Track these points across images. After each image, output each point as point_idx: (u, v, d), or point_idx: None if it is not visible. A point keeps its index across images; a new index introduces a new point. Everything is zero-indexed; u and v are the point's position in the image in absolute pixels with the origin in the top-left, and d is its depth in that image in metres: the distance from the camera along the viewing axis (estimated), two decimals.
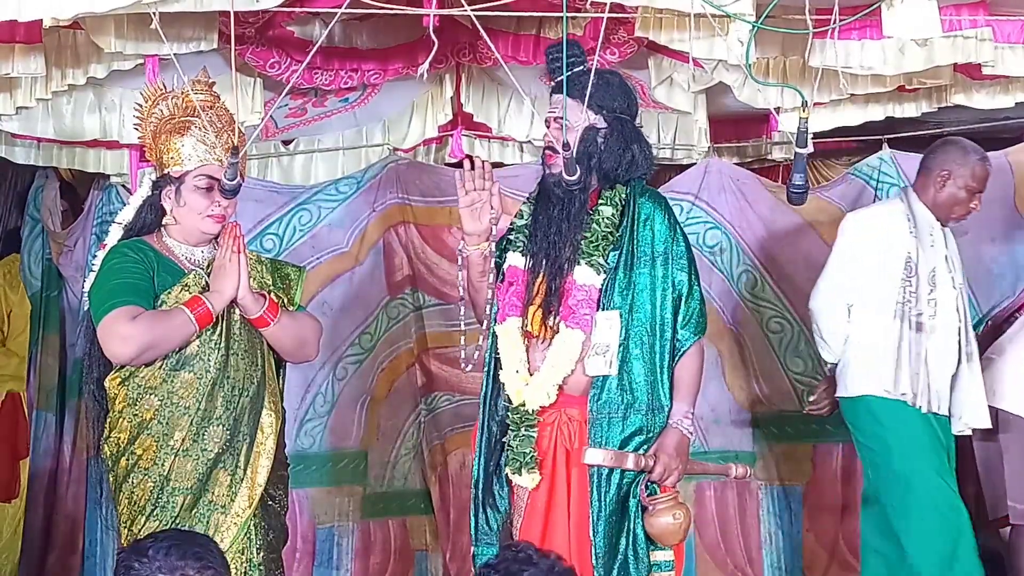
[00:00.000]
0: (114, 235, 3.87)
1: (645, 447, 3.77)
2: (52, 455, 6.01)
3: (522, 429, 3.79)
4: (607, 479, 3.75)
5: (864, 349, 4.83)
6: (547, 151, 3.87)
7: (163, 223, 3.82)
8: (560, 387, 3.79)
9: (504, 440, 3.85)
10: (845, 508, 5.99)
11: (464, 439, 5.47)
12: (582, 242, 3.81)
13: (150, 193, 3.86)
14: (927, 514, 4.73)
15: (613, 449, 3.73)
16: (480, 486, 3.88)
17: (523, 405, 3.79)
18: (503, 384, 3.85)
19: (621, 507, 3.76)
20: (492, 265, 3.92)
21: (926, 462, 4.77)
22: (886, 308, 4.78)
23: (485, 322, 3.96)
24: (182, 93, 3.84)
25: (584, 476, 3.78)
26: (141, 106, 3.88)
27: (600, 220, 3.82)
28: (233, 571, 3.67)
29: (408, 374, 5.79)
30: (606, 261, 3.80)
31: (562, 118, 3.76)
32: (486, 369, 3.93)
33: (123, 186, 5.44)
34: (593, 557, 3.73)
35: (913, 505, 4.74)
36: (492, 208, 3.84)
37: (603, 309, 3.78)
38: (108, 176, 5.53)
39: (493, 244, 3.89)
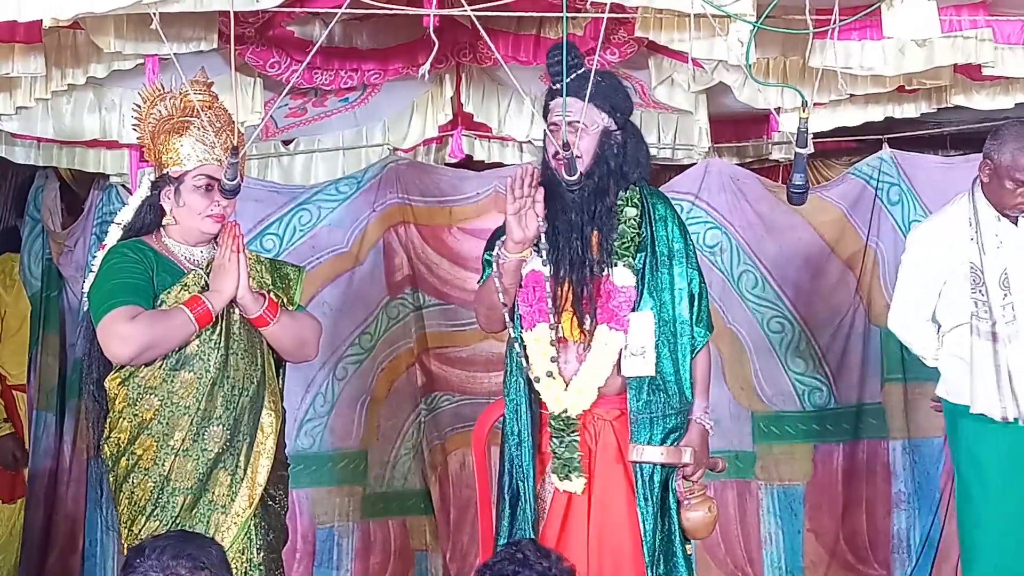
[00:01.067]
0: (113, 236, 3.87)
1: (677, 443, 3.81)
2: (52, 455, 6.00)
3: (566, 435, 3.79)
4: (651, 478, 3.77)
5: (943, 359, 4.66)
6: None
7: (162, 223, 3.82)
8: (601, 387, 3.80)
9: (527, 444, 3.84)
10: (846, 508, 5.99)
11: (464, 439, 5.47)
12: (615, 244, 3.81)
13: (149, 193, 3.85)
14: (978, 531, 4.59)
15: (661, 445, 3.76)
16: (507, 494, 3.87)
17: (565, 411, 3.79)
18: (536, 391, 3.84)
19: (662, 503, 3.79)
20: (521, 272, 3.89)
21: (995, 479, 4.55)
22: (960, 320, 4.56)
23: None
24: (180, 94, 3.84)
25: (620, 476, 3.79)
26: (139, 107, 3.88)
27: (626, 221, 3.84)
28: (233, 571, 3.66)
29: (408, 374, 5.79)
30: (636, 262, 3.82)
31: (575, 123, 3.76)
32: (511, 375, 3.90)
33: (123, 186, 5.44)
34: (646, 554, 3.74)
35: (969, 518, 4.62)
36: (538, 215, 3.78)
37: (634, 310, 3.80)
38: (108, 176, 5.53)
39: (541, 253, 3.84)
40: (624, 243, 3.81)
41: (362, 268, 5.70)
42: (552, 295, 3.82)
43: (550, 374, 3.79)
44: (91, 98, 5.08)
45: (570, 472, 3.77)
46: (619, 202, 3.85)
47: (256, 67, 4.85)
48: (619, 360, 3.80)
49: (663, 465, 3.78)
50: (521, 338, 3.85)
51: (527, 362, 3.84)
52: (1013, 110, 5.40)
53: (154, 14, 3.59)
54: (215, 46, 4.44)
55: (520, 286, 3.87)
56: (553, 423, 3.80)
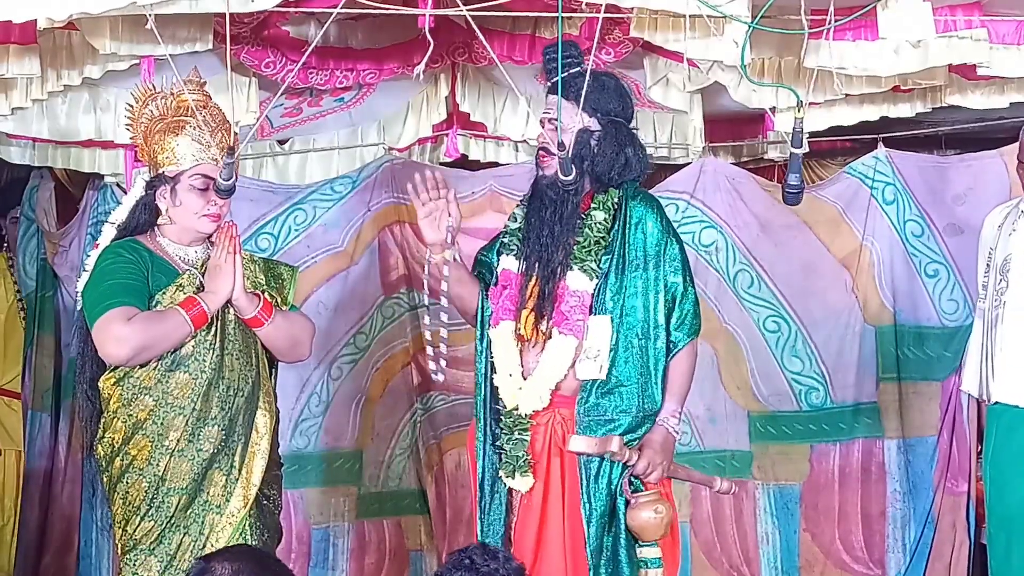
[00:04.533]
0: (107, 235, 3.87)
1: (632, 445, 3.79)
2: (47, 455, 6.01)
3: (515, 433, 3.80)
4: (596, 477, 3.76)
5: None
6: (541, 152, 3.89)
7: (157, 223, 3.82)
8: (553, 390, 3.80)
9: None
10: (841, 508, 6.00)
11: (460, 439, 5.48)
12: (575, 247, 3.81)
13: (144, 193, 3.85)
14: (993, 518, 4.56)
15: (596, 436, 3.74)
16: (485, 488, 3.88)
17: (516, 409, 3.80)
18: (497, 387, 3.86)
19: (611, 505, 3.77)
20: (470, 267, 3.94)
21: (1008, 465, 4.49)
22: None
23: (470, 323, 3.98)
24: (172, 94, 3.84)
25: (574, 475, 3.78)
26: (132, 107, 3.88)
27: (592, 225, 3.83)
28: None
29: (403, 373, 5.79)
30: (598, 266, 3.80)
31: (556, 119, 3.76)
32: (481, 372, 3.92)
33: (118, 186, 5.44)
34: (588, 555, 3.74)
35: (990, 505, 4.58)
36: (450, 216, 3.85)
37: (595, 314, 3.79)
38: (103, 176, 5.53)
39: (456, 252, 3.90)
40: (585, 247, 3.81)
41: (357, 268, 5.70)
42: (519, 293, 3.84)
43: (510, 373, 3.82)
44: (86, 98, 5.07)
45: (516, 470, 3.78)
46: (592, 205, 3.85)
47: (251, 67, 4.84)
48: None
49: (611, 462, 3.75)
50: (487, 335, 3.88)
51: (491, 358, 3.87)
52: (1008, 110, 5.40)
53: (149, 15, 3.59)
54: (210, 46, 4.43)
55: (495, 283, 3.91)
56: (505, 419, 3.82)
